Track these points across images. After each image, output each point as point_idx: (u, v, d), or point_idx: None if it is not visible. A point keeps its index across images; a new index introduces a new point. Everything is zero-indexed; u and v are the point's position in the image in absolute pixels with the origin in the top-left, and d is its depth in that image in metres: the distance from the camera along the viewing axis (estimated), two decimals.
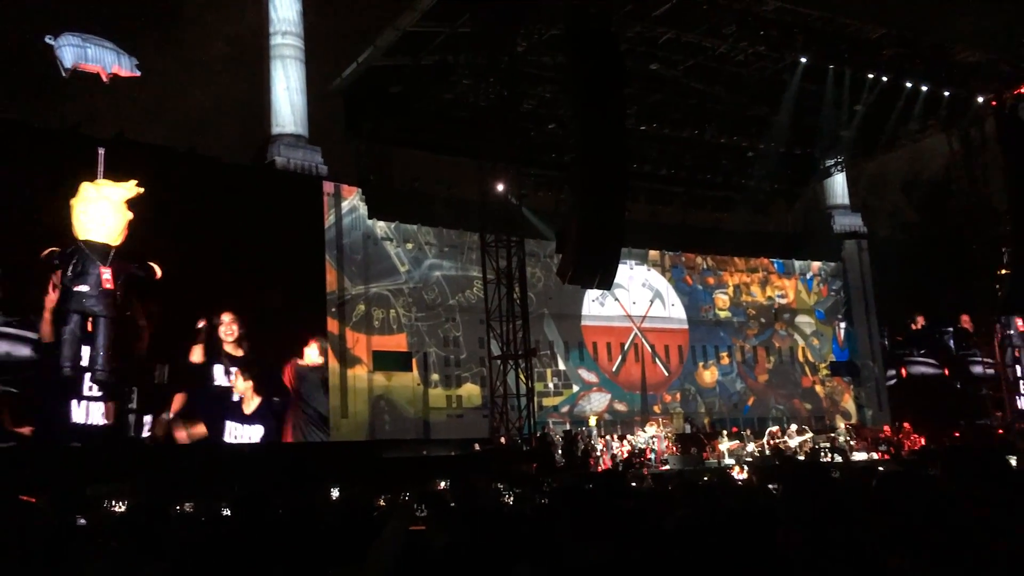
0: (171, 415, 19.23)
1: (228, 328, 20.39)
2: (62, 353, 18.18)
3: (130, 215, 19.15)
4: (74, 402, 18.27)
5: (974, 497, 3.38)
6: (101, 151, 19.03)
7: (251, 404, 20.43)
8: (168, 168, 20.07)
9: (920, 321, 32.28)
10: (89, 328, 18.54)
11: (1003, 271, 26.83)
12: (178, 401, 19.42)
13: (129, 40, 20.54)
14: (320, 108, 24.33)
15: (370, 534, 4.46)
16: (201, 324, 19.93)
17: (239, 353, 20.49)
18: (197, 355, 19.89)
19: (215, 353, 20.21)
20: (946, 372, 31.94)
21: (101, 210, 18.91)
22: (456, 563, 3.97)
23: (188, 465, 16.73)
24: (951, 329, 32.28)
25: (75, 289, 18.43)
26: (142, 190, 19.16)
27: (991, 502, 3.34)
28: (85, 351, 18.44)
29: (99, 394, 18.49)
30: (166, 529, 4.84)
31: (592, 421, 23.53)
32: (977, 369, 31.21)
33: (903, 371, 31.90)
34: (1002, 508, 3.35)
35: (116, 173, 19.07)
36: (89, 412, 18.34)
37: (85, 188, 18.85)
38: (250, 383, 20.41)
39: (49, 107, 19.79)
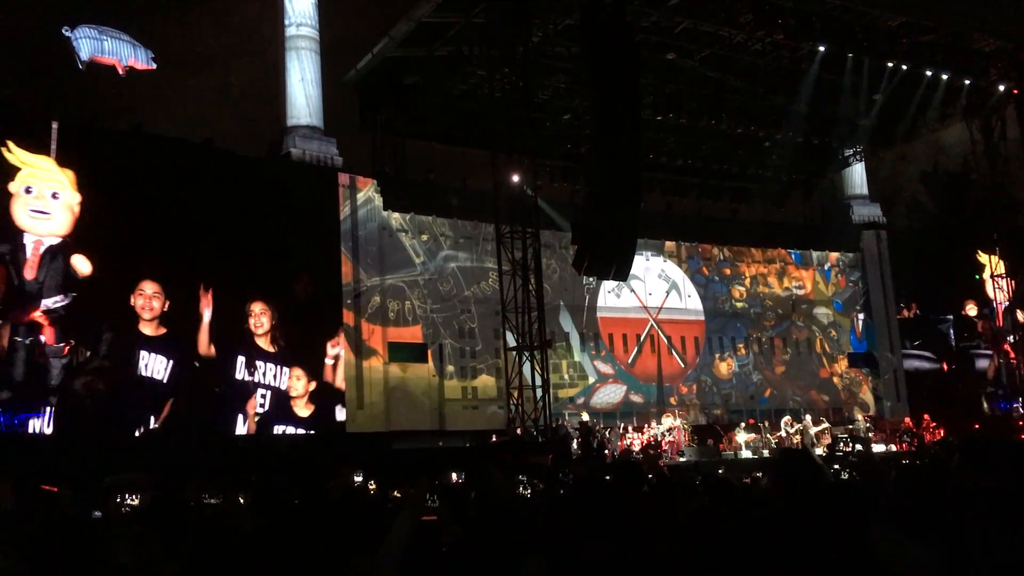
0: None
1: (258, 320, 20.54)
2: None
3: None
4: None
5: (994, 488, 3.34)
6: (54, 125, 18.27)
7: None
8: (183, 160, 20.11)
9: (913, 309, 31.04)
10: None
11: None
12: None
13: (144, 32, 20.61)
14: (335, 99, 24.35)
15: (385, 524, 4.45)
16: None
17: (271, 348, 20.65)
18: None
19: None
20: (944, 367, 30.97)
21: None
22: (468, 554, 3.95)
23: (203, 457, 16.81)
24: (950, 318, 31.41)
25: None
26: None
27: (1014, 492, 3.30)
28: None
29: None
30: (185, 520, 4.85)
31: (584, 416, 23.42)
32: (982, 363, 30.55)
33: None
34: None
35: (138, 167, 19.08)
36: None
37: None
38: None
39: (66, 99, 19.89)
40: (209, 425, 19.36)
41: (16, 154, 17.67)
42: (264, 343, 20.60)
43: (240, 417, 19.99)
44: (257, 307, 20.52)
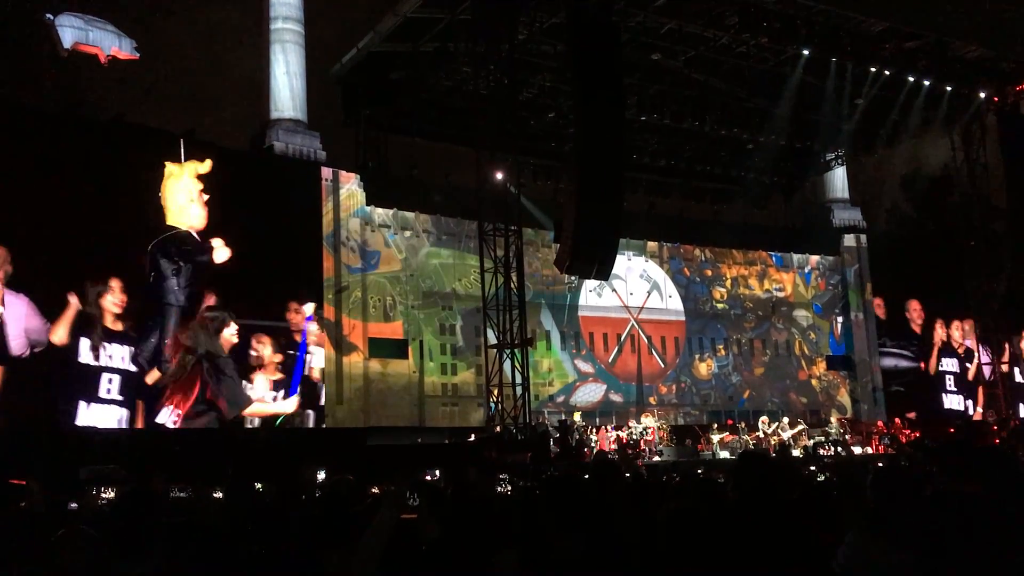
0: None
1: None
2: None
3: None
4: None
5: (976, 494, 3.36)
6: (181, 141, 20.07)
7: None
8: (166, 152, 19.95)
9: None
10: None
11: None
12: None
13: (127, 21, 20.40)
14: (319, 93, 24.24)
15: (360, 520, 4.42)
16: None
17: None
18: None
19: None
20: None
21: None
22: (446, 552, 3.94)
23: (178, 449, 16.73)
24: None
25: None
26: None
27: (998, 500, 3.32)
28: None
29: None
30: (155, 517, 4.78)
31: (577, 416, 23.44)
32: (887, 362, 31.00)
33: None
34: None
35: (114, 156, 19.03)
36: None
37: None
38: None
39: (46, 87, 19.67)
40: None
41: (168, 166, 19.83)
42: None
43: None
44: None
